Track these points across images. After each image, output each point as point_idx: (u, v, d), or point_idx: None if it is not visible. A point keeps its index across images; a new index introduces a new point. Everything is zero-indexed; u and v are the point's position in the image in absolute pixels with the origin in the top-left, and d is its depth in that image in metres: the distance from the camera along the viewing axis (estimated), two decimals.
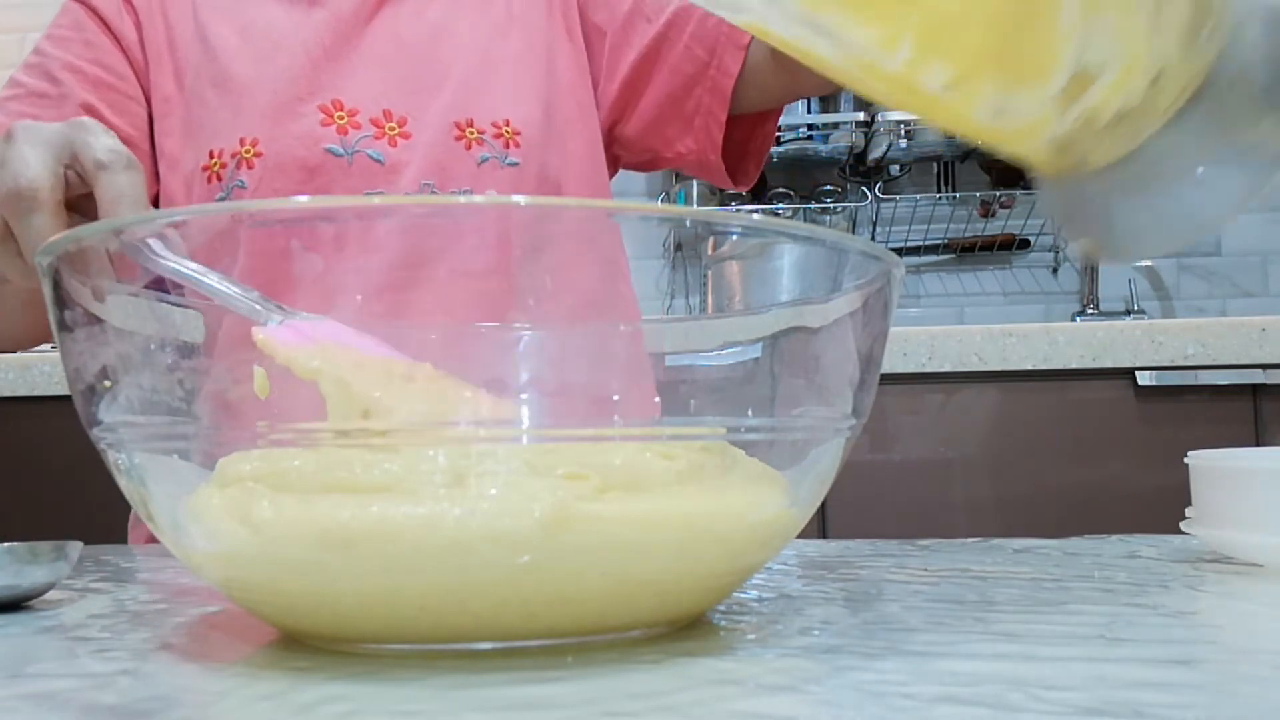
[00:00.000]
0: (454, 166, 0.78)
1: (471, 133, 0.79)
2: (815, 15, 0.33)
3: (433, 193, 0.77)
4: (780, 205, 2.02)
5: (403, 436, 0.29)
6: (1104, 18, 0.34)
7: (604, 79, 0.86)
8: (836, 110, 1.99)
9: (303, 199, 0.28)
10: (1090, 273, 2.00)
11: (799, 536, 0.40)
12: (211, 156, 0.76)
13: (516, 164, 0.80)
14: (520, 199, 0.28)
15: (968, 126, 0.37)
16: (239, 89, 0.77)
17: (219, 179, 0.75)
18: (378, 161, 0.76)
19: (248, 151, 0.75)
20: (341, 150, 0.76)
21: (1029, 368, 1.40)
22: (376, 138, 0.77)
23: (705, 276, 1.89)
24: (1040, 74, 0.35)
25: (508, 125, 0.81)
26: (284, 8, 0.80)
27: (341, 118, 0.77)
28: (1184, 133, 0.37)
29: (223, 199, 0.75)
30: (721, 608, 0.36)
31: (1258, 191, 0.37)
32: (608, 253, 0.69)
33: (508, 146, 0.80)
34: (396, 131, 0.78)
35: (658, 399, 0.34)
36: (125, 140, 0.69)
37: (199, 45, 0.79)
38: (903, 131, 1.92)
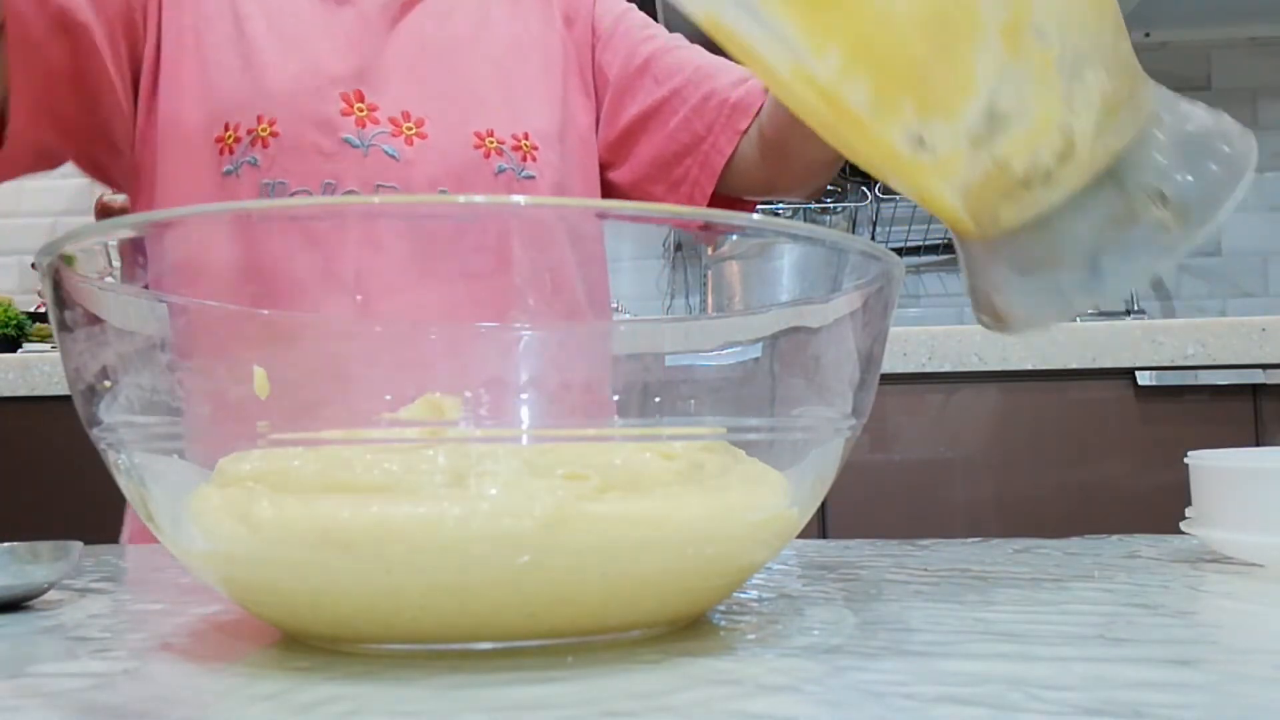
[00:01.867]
0: (471, 173, 0.79)
1: (491, 142, 0.80)
2: (760, 9, 0.35)
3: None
4: (780, 205, 2.02)
5: (402, 435, 0.29)
6: (1021, 67, 0.37)
7: (603, 124, 0.89)
8: None
9: (303, 199, 0.28)
10: None
11: (799, 536, 0.40)
12: (226, 129, 0.76)
13: (533, 177, 0.82)
14: (520, 199, 0.28)
15: (889, 159, 0.39)
16: (262, 67, 0.77)
17: (230, 152, 0.75)
18: (392, 157, 0.77)
19: (264, 130, 0.75)
20: (358, 141, 0.76)
21: (1029, 368, 1.40)
22: (393, 135, 0.77)
23: (705, 276, 1.89)
24: (956, 105, 0.37)
25: (526, 139, 0.82)
26: (311, 1, 0.81)
27: (361, 110, 0.77)
28: (1087, 210, 0.39)
29: (230, 172, 0.75)
30: (721, 608, 0.36)
31: (1147, 276, 0.40)
32: (599, 254, 0.70)
33: (525, 160, 0.82)
34: (414, 132, 0.78)
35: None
36: (104, 72, 0.71)
37: (230, 15, 0.79)
38: None
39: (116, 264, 0.30)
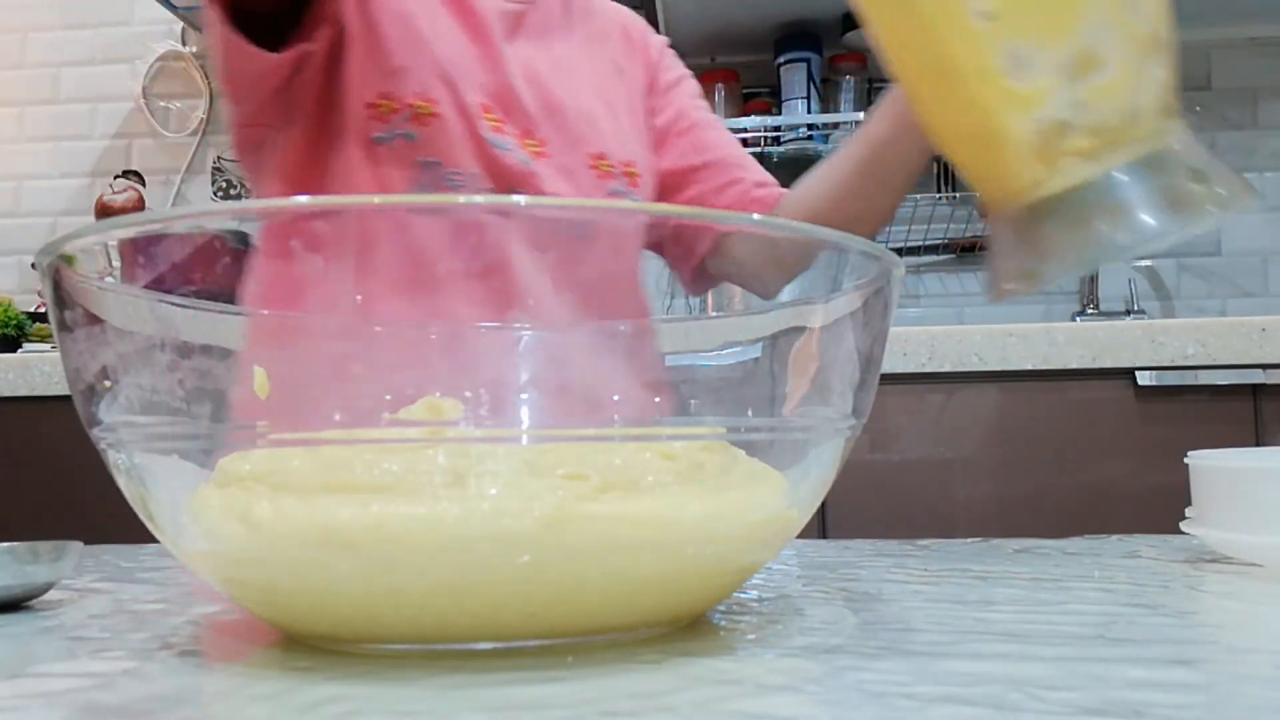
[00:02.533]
0: (591, 192, 0.82)
1: (604, 165, 0.84)
2: None
3: None
4: None
5: (401, 436, 0.29)
6: (1117, 27, 0.42)
7: None
8: (837, 110, 1.99)
9: (302, 199, 0.28)
10: (1090, 273, 2.00)
11: (799, 536, 0.40)
12: (383, 97, 0.76)
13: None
14: (520, 199, 0.28)
15: (982, 82, 0.43)
16: (429, 48, 0.78)
17: (383, 120, 0.76)
18: (525, 164, 0.79)
19: (423, 108, 0.76)
20: (496, 141, 0.79)
21: (1029, 368, 1.40)
22: (523, 147, 0.80)
23: None
24: (1061, 33, 0.41)
25: (631, 166, 0.87)
26: (448, 12, 0.82)
27: (494, 121, 0.79)
28: (1123, 184, 0.43)
29: (381, 140, 0.76)
30: (721, 608, 0.36)
31: (1162, 243, 0.44)
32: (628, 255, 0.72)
33: (630, 185, 0.86)
34: (537, 150, 0.81)
35: (658, 398, 0.34)
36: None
37: None
38: None
39: (116, 264, 0.30)
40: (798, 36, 1.98)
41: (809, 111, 1.97)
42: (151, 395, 0.30)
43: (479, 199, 0.27)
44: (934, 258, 2.05)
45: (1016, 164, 0.44)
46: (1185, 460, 0.46)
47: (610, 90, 0.89)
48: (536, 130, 0.81)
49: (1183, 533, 0.47)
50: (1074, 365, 1.40)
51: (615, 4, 0.97)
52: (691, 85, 0.97)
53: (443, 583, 0.27)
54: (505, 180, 0.78)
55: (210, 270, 0.32)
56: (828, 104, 2.01)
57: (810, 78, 1.97)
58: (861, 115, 1.93)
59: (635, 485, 0.28)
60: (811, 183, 0.87)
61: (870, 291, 0.33)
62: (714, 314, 0.35)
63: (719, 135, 0.94)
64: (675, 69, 0.97)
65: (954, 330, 1.42)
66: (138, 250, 0.30)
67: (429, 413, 0.29)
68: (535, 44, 0.86)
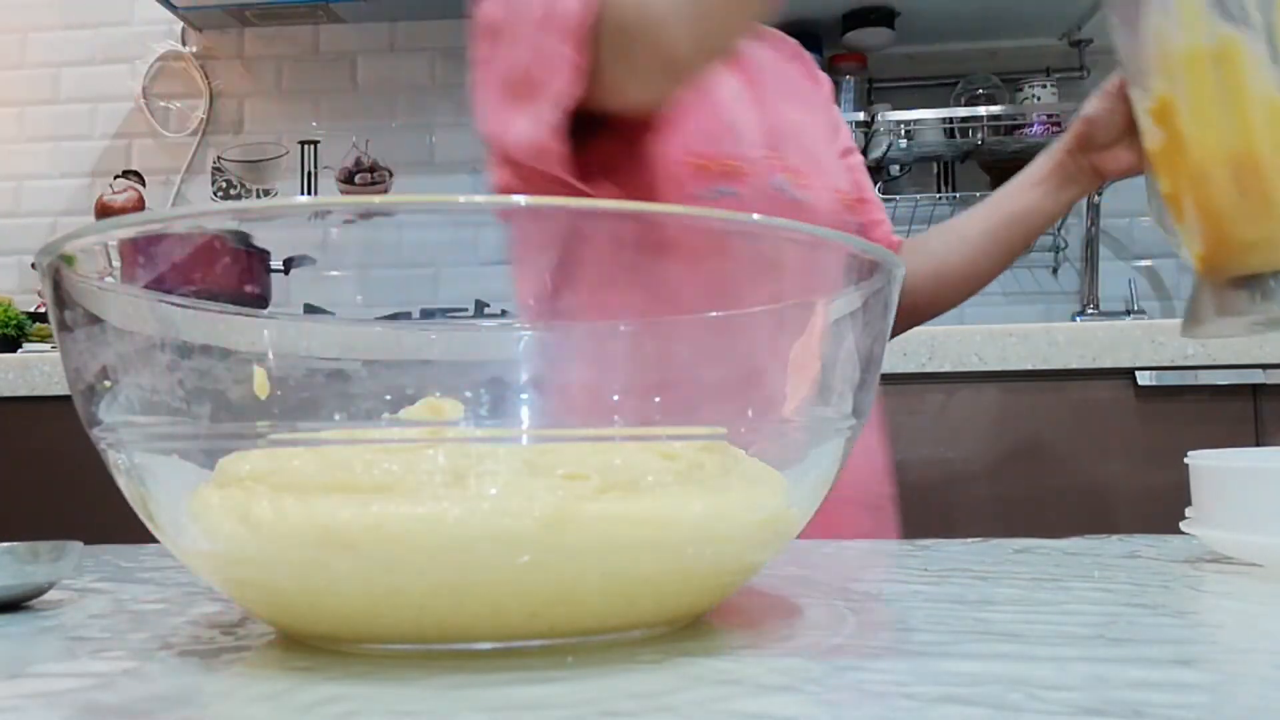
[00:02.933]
0: (841, 223, 0.88)
1: (844, 199, 0.92)
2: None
3: None
4: None
5: (401, 436, 0.29)
6: None
7: None
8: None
9: (302, 199, 0.28)
10: (1090, 273, 2.00)
11: (799, 536, 0.40)
12: (693, 157, 0.81)
13: None
14: (521, 199, 0.28)
15: (1259, 168, 0.61)
16: (715, 102, 0.83)
17: (699, 179, 0.81)
18: (801, 202, 0.85)
19: (732, 165, 0.82)
20: (782, 186, 0.85)
21: (1029, 368, 1.40)
22: (795, 185, 0.86)
23: None
24: None
25: (849, 198, 0.94)
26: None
27: (773, 161, 0.85)
28: None
29: (704, 196, 0.81)
30: (722, 608, 0.36)
31: None
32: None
33: (857, 216, 0.94)
34: (804, 186, 0.87)
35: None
36: None
37: None
38: (903, 131, 1.91)
39: (116, 264, 0.30)
40: (798, 36, 1.97)
41: None
42: (151, 395, 0.30)
43: (478, 199, 0.27)
44: None
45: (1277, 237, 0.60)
46: (1185, 460, 0.46)
47: (822, 128, 0.97)
48: (799, 168, 0.87)
49: (1183, 533, 0.47)
50: (1074, 365, 1.40)
51: (792, 39, 1.05)
52: (847, 128, 1.07)
53: (443, 583, 0.27)
54: (789, 216, 0.82)
55: (211, 270, 0.32)
56: None
57: None
58: (861, 115, 1.93)
59: (635, 485, 0.28)
60: (939, 240, 0.99)
61: (870, 291, 0.33)
62: (714, 313, 0.35)
63: (867, 179, 1.03)
64: (835, 108, 1.06)
65: (954, 330, 1.42)
66: (138, 250, 0.30)
67: (429, 412, 0.29)
68: (772, 86, 0.92)
